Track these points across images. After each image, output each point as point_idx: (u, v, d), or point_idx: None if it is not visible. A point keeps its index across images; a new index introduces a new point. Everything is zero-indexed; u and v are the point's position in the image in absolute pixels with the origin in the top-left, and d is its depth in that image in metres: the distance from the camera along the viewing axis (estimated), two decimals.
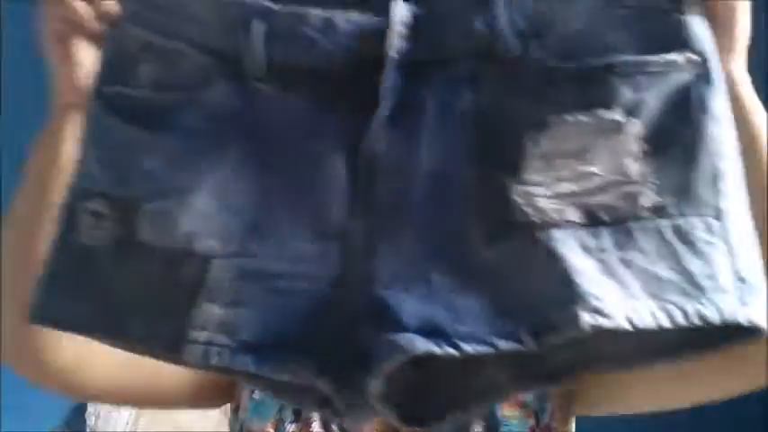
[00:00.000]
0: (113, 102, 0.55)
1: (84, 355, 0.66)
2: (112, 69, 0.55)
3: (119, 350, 0.54)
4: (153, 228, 0.52)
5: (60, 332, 0.57)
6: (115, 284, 0.52)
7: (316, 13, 0.53)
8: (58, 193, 0.56)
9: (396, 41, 0.52)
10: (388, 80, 0.52)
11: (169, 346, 0.51)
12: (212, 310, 0.51)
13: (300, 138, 0.53)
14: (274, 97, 0.54)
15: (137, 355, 0.54)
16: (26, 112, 1.94)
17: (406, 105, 0.52)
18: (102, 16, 0.57)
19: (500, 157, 0.50)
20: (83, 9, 0.57)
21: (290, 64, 0.54)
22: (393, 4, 0.53)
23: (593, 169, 0.49)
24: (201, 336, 0.51)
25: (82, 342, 0.55)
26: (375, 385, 0.49)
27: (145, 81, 0.55)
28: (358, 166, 0.52)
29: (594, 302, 0.45)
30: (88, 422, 1.64)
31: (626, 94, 0.50)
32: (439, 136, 0.52)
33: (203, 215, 0.52)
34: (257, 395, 0.72)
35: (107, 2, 0.56)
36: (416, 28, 0.53)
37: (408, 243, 0.51)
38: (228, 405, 0.78)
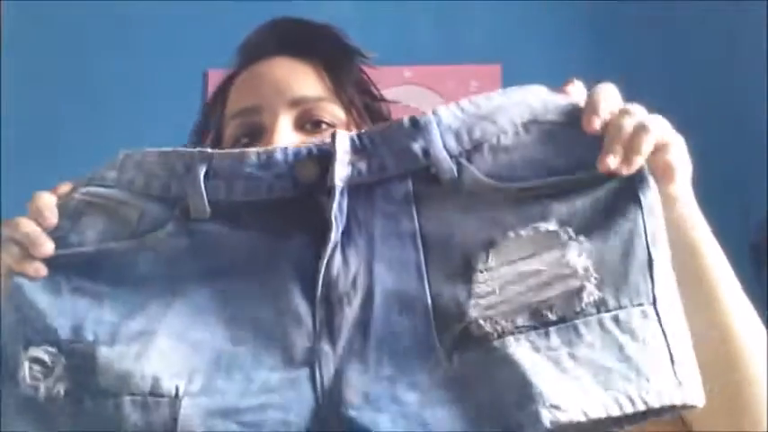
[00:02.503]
0: (58, 261, 0.57)
1: None
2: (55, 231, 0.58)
3: None
4: (116, 374, 0.53)
5: None
6: None
7: (254, 150, 0.56)
8: None
9: (340, 170, 0.55)
10: (337, 208, 0.55)
11: None
12: None
13: (256, 271, 0.56)
14: (224, 235, 0.57)
15: None
16: (26, 113, 1.94)
17: (354, 227, 0.55)
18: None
19: (450, 275, 0.54)
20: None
21: (235, 202, 0.56)
22: (337, 135, 0.55)
23: (538, 266, 0.53)
24: None
25: None
26: None
27: (90, 235, 0.57)
28: (316, 292, 0.54)
29: (552, 400, 0.50)
30: None
31: (560, 208, 0.54)
32: (389, 255, 0.55)
33: (166, 357, 0.54)
34: None
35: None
36: (357, 153, 0.56)
37: (374, 362, 0.54)
38: None
